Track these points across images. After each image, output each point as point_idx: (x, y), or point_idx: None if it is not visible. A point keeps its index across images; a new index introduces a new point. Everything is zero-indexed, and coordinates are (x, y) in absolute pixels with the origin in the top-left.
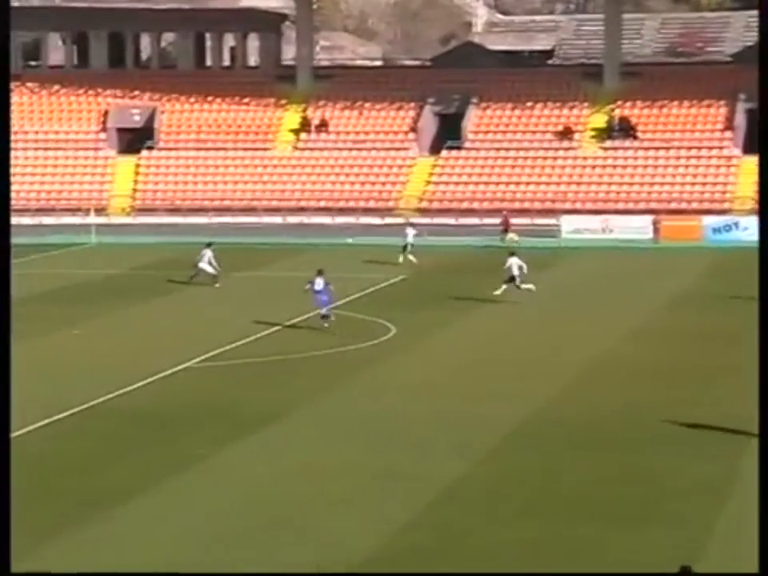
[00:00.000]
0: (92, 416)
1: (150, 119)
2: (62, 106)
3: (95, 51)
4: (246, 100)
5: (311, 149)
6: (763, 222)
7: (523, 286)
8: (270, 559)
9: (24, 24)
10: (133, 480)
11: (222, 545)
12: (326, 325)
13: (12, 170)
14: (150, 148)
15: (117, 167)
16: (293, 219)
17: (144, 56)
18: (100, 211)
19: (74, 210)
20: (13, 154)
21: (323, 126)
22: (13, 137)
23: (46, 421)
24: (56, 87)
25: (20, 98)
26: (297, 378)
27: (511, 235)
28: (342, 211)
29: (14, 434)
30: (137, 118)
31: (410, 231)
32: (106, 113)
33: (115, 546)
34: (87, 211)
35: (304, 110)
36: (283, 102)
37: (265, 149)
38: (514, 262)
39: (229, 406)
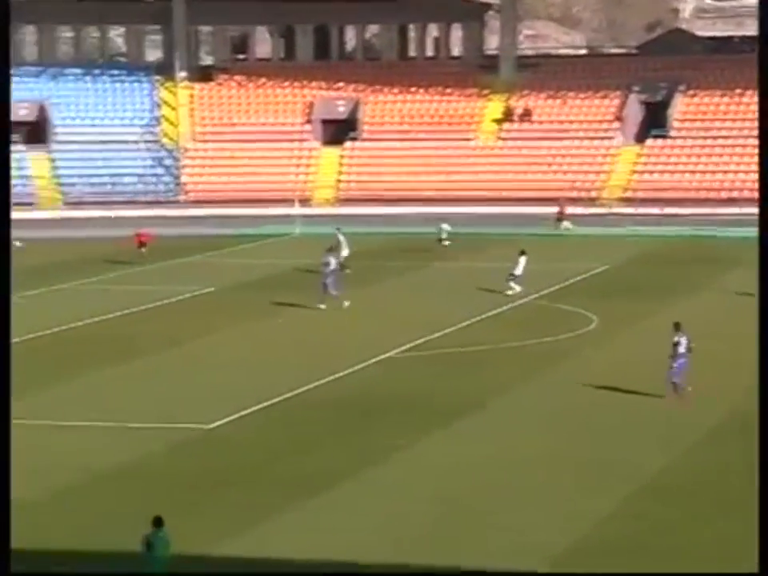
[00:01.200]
0: (296, 405)
1: (354, 110)
2: (269, 98)
3: (301, 44)
4: (448, 90)
5: (514, 138)
6: (763, 221)
7: (510, 285)
8: (467, 550)
9: (232, 18)
10: (334, 468)
11: (418, 534)
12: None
13: (220, 162)
14: (354, 139)
15: (321, 158)
16: (494, 209)
17: (348, 48)
18: (304, 202)
19: (279, 201)
20: (221, 146)
21: (526, 115)
22: (221, 129)
23: (251, 409)
24: (263, 80)
25: (228, 91)
26: (496, 369)
27: (566, 223)
28: (546, 201)
29: (220, 422)
30: (341, 109)
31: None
32: (311, 104)
33: (315, 533)
34: (291, 202)
35: (507, 100)
36: (486, 91)
37: (467, 139)
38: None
39: (429, 396)
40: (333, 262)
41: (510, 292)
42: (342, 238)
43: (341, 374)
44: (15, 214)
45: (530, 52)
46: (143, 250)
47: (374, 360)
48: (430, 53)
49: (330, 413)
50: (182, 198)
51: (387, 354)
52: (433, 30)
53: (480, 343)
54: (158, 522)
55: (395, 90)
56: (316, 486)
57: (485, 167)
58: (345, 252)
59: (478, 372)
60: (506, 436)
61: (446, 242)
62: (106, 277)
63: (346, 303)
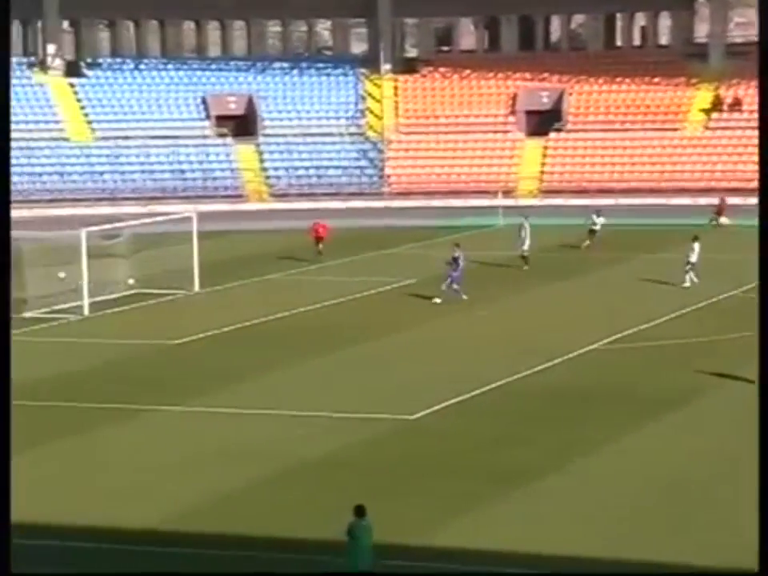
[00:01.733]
0: (502, 394)
1: (558, 101)
2: (473, 89)
3: (506, 35)
4: (656, 80)
5: (723, 128)
6: (764, 220)
7: (689, 277)
8: (675, 545)
9: (437, 10)
10: (542, 459)
11: (627, 527)
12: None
13: (423, 154)
14: (558, 130)
15: (524, 149)
16: (702, 200)
17: (553, 38)
18: (507, 193)
19: (481, 193)
20: (424, 138)
21: (736, 104)
22: (425, 121)
23: (459, 398)
24: (467, 71)
25: (432, 83)
26: (703, 361)
27: (723, 219)
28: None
29: (423, 412)
30: (545, 100)
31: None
32: (515, 95)
33: (522, 523)
34: (495, 193)
35: (716, 89)
36: (694, 80)
37: (674, 129)
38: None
39: (635, 388)
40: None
41: (686, 284)
42: (527, 227)
43: (546, 365)
44: (224, 206)
45: (739, 40)
46: (320, 246)
47: (579, 351)
48: (636, 42)
49: (536, 404)
50: (385, 189)
51: (592, 346)
52: (640, 19)
53: (684, 336)
54: (360, 512)
55: (601, 81)
56: (522, 476)
57: (692, 157)
58: (526, 244)
59: (684, 364)
60: (716, 429)
61: (595, 229)
62: (310, 268)
63: (465, 297)
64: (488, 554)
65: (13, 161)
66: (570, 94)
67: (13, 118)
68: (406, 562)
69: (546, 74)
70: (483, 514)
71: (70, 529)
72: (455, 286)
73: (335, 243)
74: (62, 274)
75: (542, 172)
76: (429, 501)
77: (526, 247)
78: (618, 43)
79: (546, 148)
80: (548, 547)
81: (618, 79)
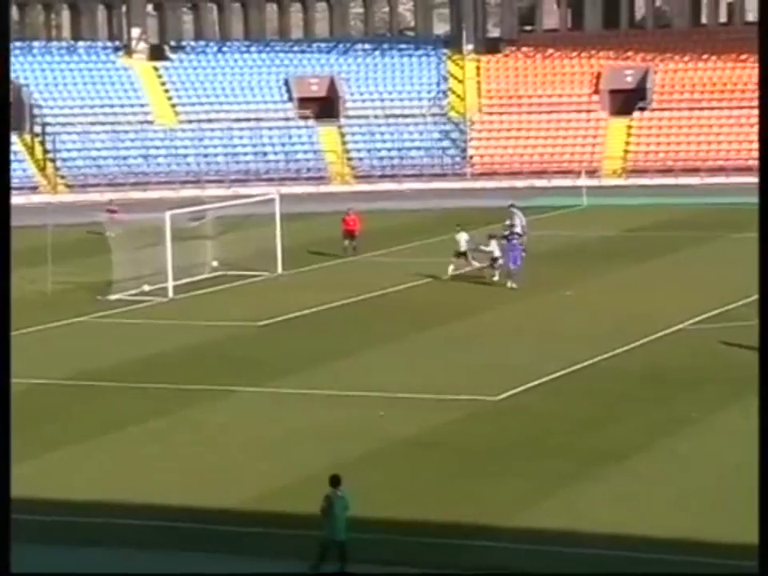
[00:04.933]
0: (589, 375)
1: (643, 80)
2: (556, 69)
3: (589, 13)
4: (742, 57)
5: None
6: (764, 219)
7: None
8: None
9: None
10: (628, 440)
11: (717, 507)
12: None
13: (506, 135)
14: (642, 109)
15: (609, 129)
16: None
17: (638, 16)
18: (591, 173)
19: (565, 173)
20: (507, 118)
21: None
22: (507, 101)
23: (545, 379)
24: (550, 51)
25: (515, 63)
26: None
27: None
28: None
29: (510, 392)
30: (629, 79)
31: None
32: (599, 75)
33: (612, 502)
34: (578, 173)
35: None
36: None
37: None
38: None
39: (722, 369)
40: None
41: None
42: (517, 212)
43: (633, 345)
44: (307, 188)
45: None
46: (348, 243)
47: (666, 331)
48: (723, 18)
49: (622, 384)
50: (468, 170)
51: (680, 326)
52: None
53: None
54: (335, 481)
55: (686, 58)
56: (610, 456)
57: None
58: (518, 228)
59: None
60: None
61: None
62: (392, 249)
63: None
64: (578, 534)
65: (98, 144)
66: (656, 73)
67: (98, 102)
68: (497, 543)
69: (630, 53)
70: (572, 495)
71: (162, 508)
72: (511, 266)
73: (417, 224)
74: (215, 263)
75: (627, 151)
76: (517, 481)
77: (519, 230)
78: (704, 20)
79: (630, 127)
80: (639, 528)
81: (704, 57)
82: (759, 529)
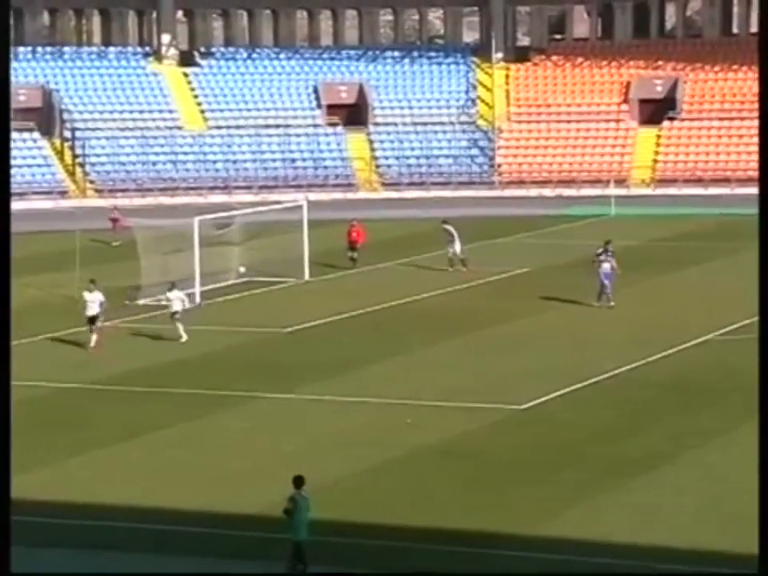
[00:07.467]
0: (615, 385)
1: (673, 89)
2: (585, 78)
3: (619, 22)
4: None
5: None
6: (764, 218)
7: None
8: None
9: None
10: (653, 450)
11: (737, 522)
12: None
13: (534, 143)
14: (672, 119)
15: (638, 138)
16: None
17: (668, 26)
18: (620, 182)
19: (593, 182)
20: (536, 126)
21: None
22: (536, 110)
23: (571, 387)
24: (579, 60)
25: (544, 71)
26: None
27: None
28: None
29: (535, 401)
30: (659, 88)
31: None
32: (628, 84)
33: (637, 513)
34: (607, 183)
35: None
36: None
37: None
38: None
39: (748, 381)
40: None
41: None
42: (450, 229)
43: (659, 355)
44: (335, 195)
45: None
46: (351, 254)
47: (693, 342)
48: (753, 29)
49: (648, 394)
50: (496, 178)
51: (707, 336)
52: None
53: None
54: (298, 482)
55: (716, 68)
56: (635, 466)
57: None
58: (457, 246)
59: None
60: None
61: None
62: (420, 257)
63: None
64: (600, 544)
65: (128, 150)
66: (685, 82)
67: (127, 108)
68: (518, 552)
69: (660, 62)
70: (595, 504)
71: (185, 513)
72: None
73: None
74: (242, 269)
75: (656, 161)
76: (540, 490)
77: (457, 250)
78: (735, 30)
79: (659, 137)
80: (661, 539)
81: (735, 67)
82: (759, 530)
